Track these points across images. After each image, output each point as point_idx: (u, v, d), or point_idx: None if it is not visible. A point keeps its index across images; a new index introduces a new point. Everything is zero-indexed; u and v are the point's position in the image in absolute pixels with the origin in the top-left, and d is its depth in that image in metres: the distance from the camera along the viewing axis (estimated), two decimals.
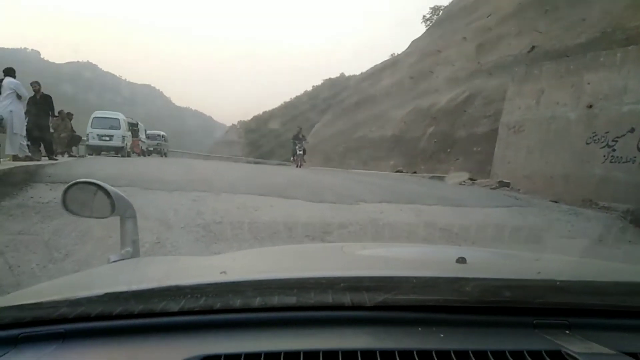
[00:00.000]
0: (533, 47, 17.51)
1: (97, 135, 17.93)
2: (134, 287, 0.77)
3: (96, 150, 18.23)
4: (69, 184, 1.22)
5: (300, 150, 16.36)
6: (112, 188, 1.22)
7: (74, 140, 13.74)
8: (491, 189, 9.14)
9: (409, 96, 22.54)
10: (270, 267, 1.20)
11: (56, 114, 12.83)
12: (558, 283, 0.85)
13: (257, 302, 0.75)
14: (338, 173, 13.29)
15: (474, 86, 16.91)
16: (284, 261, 1.34)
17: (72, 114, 14.05)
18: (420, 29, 35.91)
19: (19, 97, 7.82)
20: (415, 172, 15.52)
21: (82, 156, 13.39)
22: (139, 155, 25.09)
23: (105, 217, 1.23)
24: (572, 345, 0.73)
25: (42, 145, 9.63)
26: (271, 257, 1.44)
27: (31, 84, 9.37)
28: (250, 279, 0.84)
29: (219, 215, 4.58)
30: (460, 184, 10.42)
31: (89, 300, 0.73)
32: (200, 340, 0.71)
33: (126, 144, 18.90)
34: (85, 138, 18.13)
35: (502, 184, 9.27)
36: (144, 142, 27.28)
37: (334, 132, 29.26)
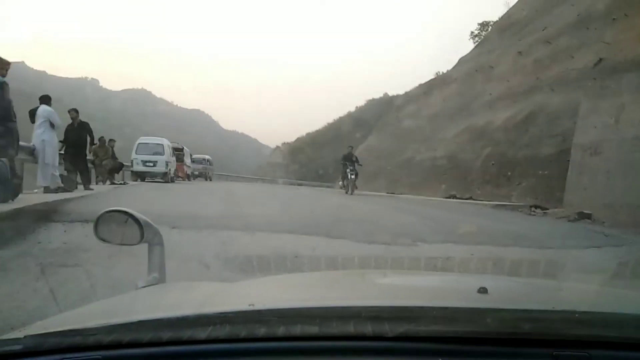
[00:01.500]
0: (600, 60, 15.93)
1: (142, 161, 17.94)
2: (166, 314, 0.82)
3: (141, 176, 18.24)
4: (101, 212, 1.30)
5: (352, 174, 14.23)
6: (142, 216, 1.29)
7: (116, 167, 13.58)
8: (569, 221, 7.84)
9: (460, 115, 21.32)
10: (293, 295, 1.22)
11: (96, 141, 12.74)
12: (577, 315, 0.85)
13: (280, 331, 0.77)
14: (386, 200, 12.21)
15: (535, 103, 15.53)
16: (307, 289, 1.36)
17: (114, 140, 13.97)
18: (468, 46, 34.60)
19: (52, 125, 7.50)
20: (470, 198, 14.23)
21: (123, 183, 13.16)
22: (183, 179, 25.18)
23: (134, 245, 1.30)
24: None
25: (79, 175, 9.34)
26: (294, 285, 1.45)
27: (69, 111, 9.16)
28: (274, 307, 0.87)
29: (250, 266, 3.76)
30: (530, 214, 9.14)
31: (124, 327, 0.77)
32: None
33: (170, 170, 18.81)
34: (130, 164, 18.22)
35: (583, 216, 7.94)
36: (189, 166, 27.43)
37: (379, 154, 28.27)
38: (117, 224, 1.30)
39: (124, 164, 15.44)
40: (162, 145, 18.88)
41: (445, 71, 39.02)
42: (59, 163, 9.23)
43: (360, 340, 0.78)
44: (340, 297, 1.13)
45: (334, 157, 54.49)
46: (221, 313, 0.80)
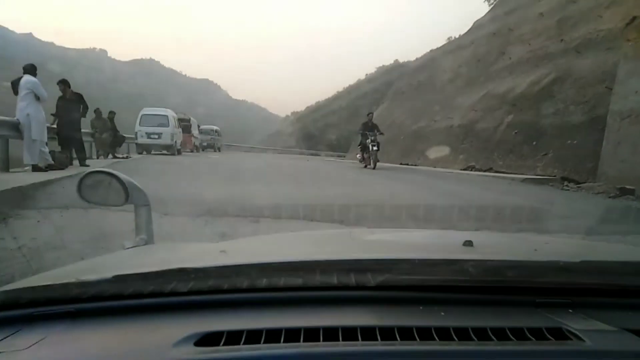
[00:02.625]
0: (634, 19, 14.65)
1: (146, 133, 17.34)
2: (142, 269, 0.81)
3: (146, 149, 17.66)
4: (85, 173, 1.28)
5: (374, 145, 12.35)
6: (126, 177, 1.26)
7: (117, 140, 12.95)
8: (609, 197, 7.05)
9: (477, 81, 20.17)
10: (276, 251, 1.22)
11: (93, 113, 12.07)
12: (561, 263, 0.87)
13: (261, 282, 0.77)
14: (408, 175, 11.20)
15: (560, 67, 14.39)
16: (291, 246, 1.35)
17: (114, 112, 13.30)
18: (482, 9, 32.73)
19: (37, 98, 6.81)
20: (491, 170, 13.41)
21: (126, 157, 12.55)
22: (191, 151, 24.57)
23: (120, 205, 1.28)
24: (574, 322, 0.74)
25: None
26: (280, 242, 1.47)
27: (57, 83, 8.44)
28: (255, 261, 0.85)
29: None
30: (563, 188, 8.35)
31: (99, 282, 0.76)
32: (205, 318, 0.73)
33: (175, 142, 18.18)
34: (134, 136, 17.61)
35: (625, 191, 7.14)
36: (196, 137, 26.75)
37: (391, 123, 27.25)
38: (101, 185, 1.29)
39: (126, 136, 14.81)
40: (167, 116, 18.19)
41: (457, 36, 37.35)
42: (52, 138, 8.63)
43: (341, 290, 0.79)
44: (324, 252, 1.14)
45: (344, 126, 53.46)
46: (199, 267, 0.81)
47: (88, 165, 8.57)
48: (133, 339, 0.70)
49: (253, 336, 0.67)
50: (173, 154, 17.59)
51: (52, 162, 7.24)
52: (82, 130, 11.87)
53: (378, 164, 12.67)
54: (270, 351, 0.64)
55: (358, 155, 14.46)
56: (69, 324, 0.72)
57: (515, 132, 13.41)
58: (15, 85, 6.79)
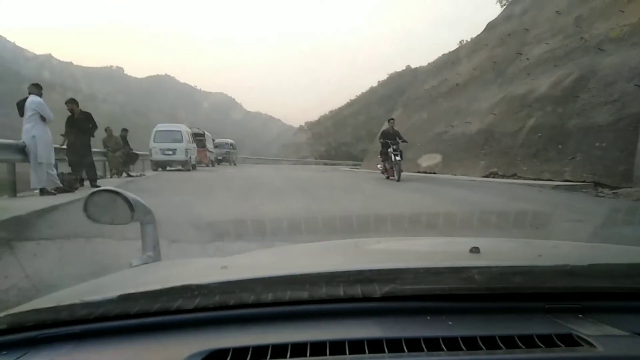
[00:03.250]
0: None
1: (160, 149, 17.23)
2: (146, 288, 0.80)
3: (161, 165, 17.54)
4: (90, 193, 1.32)
5: (397, 155, 11.20)
6: (131, 195, 1.27)
7: (130, 158, 12.80)
8: None
9: (494, 84, 19.64)
10: (280, 264, 1.21)
11: (104, 131, 11.95)
12: (569, 267, 0.84)
13: (266, 297, 0.76)
14: (429, 185, 10.54)
15: (583, 66, 13.82)
16: (295, 258, 1.35)
17: (126, 130, 13.19)
18: (495, 10, 32.16)
19: (43, 119, 6.61)
20: (514, 176, 12.86)
21: (139, 175, 12.38)
22: (207, 165, 24.47)
23: (126, 223, 1.28)
24: (584, 328, 0.72)
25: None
26: (283, 255, 1.46)
27: (65, 103, 8.29)
28: (259, 276, 0.84)
29: None
30: (597, 195, 7.81)
31: (103, 302, 0.76)
32: (211, 335, 0.72)
33: (190, 157, 18.04)
34: (148, 153, 17.52)
35: None
36: (211, 151, 26.68)
37: (406, 129, 26.74)
38: (106, 203, 1.29)
39: (140, 153, 14.68)
40: (181, 131, 18.08)
41: (469, 39, 36.68)
42: (61, 159, 8.46)
43: (345, 302, 0.78)
44: (329, 264, 1.12)
45: (358, 134, 52.99)
46: (203, 284, 0.79)
47: (99, 186, 8.36)
48: (142, 358, 0.70)
49: (259, 352, 0.66)
50: (188, 170, 17.44)
51: (61, 184, 7.03)
52: (95, 149, 11.79)
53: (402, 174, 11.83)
54: None
55: (379, 166, 13.29)
56: (74, 345, 0.72)
57: (539, 136, 12.86)
58: (20, 106, 6.62)
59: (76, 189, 7.69)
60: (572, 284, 0.82)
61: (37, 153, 6.45)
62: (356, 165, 38.22)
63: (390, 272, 0.83)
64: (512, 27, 23.19)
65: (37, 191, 6.75)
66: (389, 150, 11.77)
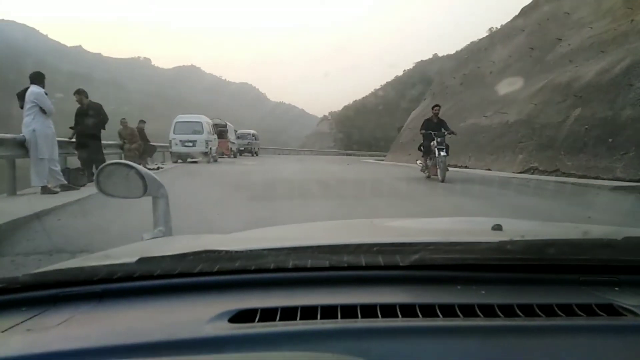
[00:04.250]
0: None
1: (180, 141, 16.76)
2: (168, 253, 0.82)
3: (181, 157, 17.10)
4: (103, 165, 1.31)
5: (442, 149, 9.37)
6: (144, 169, 1.29)
7: (147, 150, 12.31)
8: None
9: (532, 71, 18.38)
10: (303, 236, 1.25)
11: (120, 123, 11.49)
12: (604, 240, 0.84)
13: (292, 263, 0.76)
14: (474, 187, 8.93)
15: (635, 51, 12.53)
16: (317, 233, 1.35)
17: (144, 121, 12.70)
18: None
19: (43, 111, 6.05)
20: (557, 171, 11.78)
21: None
22: (228, 156, 24.02)
23: (138, 197, 1.27)
24: (624, 299, 0.70)
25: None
26: (305, 230, 1.46)
27: (74, 93, 7.75)
28: (282, 245, 0.85)
29: None
30: None
31: (125, 264, 0.77)
32: (237, 297, 0.72)
33: (210, 149, 17.52)
34: (168, 145, 17.10)
35: None
36: (233, 142, 26.23)
37: None
38: (119, 177, 1.29)
39: (157, 145, 14.20)
40: (201, 122, 17.55)
41: (499, 26, 34.91)
42: (71, 153, 7.96)
43: (374, 270, 0.77)
44: (350, 237, 1.12)
45: (383, 125, 51.91)
46: (232, 250, 0.80)
47: None
48: (165, 317, 0.69)
49: (288, 313, 0.65)
50: (208, 162, 16.94)
51: (65, 181, 6.49)
52: (110, 141, 11.32)
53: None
54: (308, 327, 0.62)
55: (419, 162, 11.42)
56: (95, 304, 0.72)
57: (586, 128, 11.71)
58: (21, 97, 6.08)
59: (83, 185, 7.17)
60: (608, 256, 0.81)
61: (37, 148, 5.91)
62: (380, 157, 37.24)
63: (417, 244, 0.83)
64: (551, 11, 21.76)
65: (40, 189, 6.22)
66: (431, 143, 9.76)
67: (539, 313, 0.66)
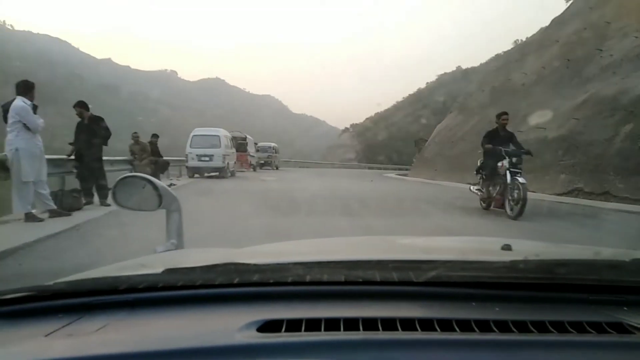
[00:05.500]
0: None
1: (196, 155, 16.08)
2: (192, 265, 0.87)
3: (198, 172, 16.42)
4: (121, 177, 1.34)
5: (518, 174, 6.89)
6: (159, 182, 1.32)
7: (160, 166, 11.61)
8: None
9: (570, 84, 17.18)
10: (322, 252, 1.24)
11: (131, 138, 10.85)
12: (613, 261, 0.91)
13: (316, 277, 0.78)
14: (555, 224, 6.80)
15: None
16: (333, 248, 1.39)
17: (157, 135, 12.08)
18: (559, 7, 29.03)
19: (28, 128, 5.30)
20: (607, 194, 10.55)
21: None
22: (247, 170, 23.34)
23: (153, 210, 1.31)
24: (634, 318, 0.71)
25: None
26: (320, 245, 1.51)
27: (74, 106, 7.04)
28: (298, 260, 0.89)
29: None
30: None
31: (155, 274, 0.81)
32: (262, 308, 0.74)
33: (227, 164, 16.78)
34: (184, 159, 16.46)
35: None
36: (253, 156, 25.54)
37: (463, 134, 24.54)
38: (135, 189, 1.33)
39: (170, 160, 13.53)
40: (218, 136, 16.86)
41: (524, 39, 33.49)
42: (69, 172, 7.25)
43: (392, 285, 0.78)
44: (368, 253, 1.15)
45: (404, 137, 50.79)
46: (256, 264, 0.83)
47: (109, 205, 7.07)
48: (196, 325, 0.71)
49: (312, 325, 0.67)
50: (224, 177, 16.21)
51: (55, 206, 5.73)
52: (119, 158, 10.65)
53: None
54: (332, 337, 0.64)
55: (474, 188, 8.57)
56: (128, 311, 0.74)
57: None
58: (6, 110, 5.36)
59: (78, 208, 6.42)
60: (616, 277, 0.83)
61: (20, 169, 5.15)
62: (402, 171, 36.04)
63: (434, 262, 0.86)
64: (589, 21, 20.53)
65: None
66: (499, 164, 7.27)
67: (551, 329, 0.68)
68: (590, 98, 14.20)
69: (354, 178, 20.68)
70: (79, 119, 7.12)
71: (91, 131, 7.03)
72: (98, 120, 7.18)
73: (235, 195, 10.20)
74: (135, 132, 10.90)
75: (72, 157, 7.15)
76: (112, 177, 10.13)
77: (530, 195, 6.93)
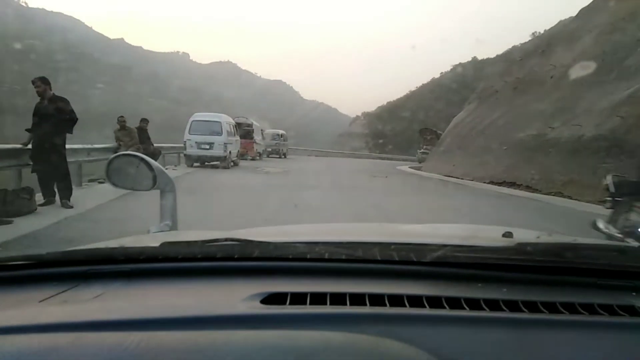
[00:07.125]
0: None
1: (196, 143, 14.79)
2: (194, 238, 0.84)
3: (197, 161, 15.15)
4: (114, 155, 1.33)
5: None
6: (154, 162, 1.29)
7: (150, 154, 10.31)
8: None
9: (608, 77, 15.57)
10: (325, 234, 1.24)
11: (117, 123, 9.61)
12: (622, 246, 0.91)
13: (322, 254, 0.78)
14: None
15: None
16: (337, 231, 1.39)
17: (146, 120, 10.77)
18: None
19: None
20: None
21: None
22: (252, 158, 22.04)
23: (147, 190, 1.29)
24: None
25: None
26: (324, 228, 1.54)
27: (32, 81, 5.71)
28: (296, 240, 0.88)
29: None
30: None
31: (153, 247, 0.79)
32: (265, 282, 0.73)
33: (229, 152, 15.45)
34: (182, 146, 15.20)
35: None
36: (259, 143, 24.17)
37: (484, 128, 22.93)
38: (129, 168, 1.29)
39: (161, 147, 12.26)
40: (220, 123, 15.51)
41: (542, 31, 31.61)
42: (25, 165, 6.01)
43: (399, 264, 0.78)
44: (374, 236, 1.15)
45: (417, 128, 49.19)
46: (249, 240, 0.81)
47: (71, 206, 5.80)
48: (199, 295, 0.70)
49: (317, 299, 0.66)
50: (225, 167, 14.92)
51: None
52: (103, 145, 9.42)
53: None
54: (338, 310, 0.64)
55: (605, 229, 4.00)
56: (126, 281, 0.73)
57: None
58: None
59: (30, 212, 5.18)
60: (624, 262, 0.81)
61: None
62: (413, 162, 34.48)
63: (439, 244, 0.84)
64: (626, 9, 18.81)
65: None
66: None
67: (562, 310, 0.67)
68: (636, 93, 12.63)
69: (366, 172, 19.15)
70: (38, 99, 5.83)
71: (53, 115, 5.75)
72: (61, 101, 5.87)
73: (233, 190, 8.94)
74: (122, 116, 9.62)
75: (29, 146, 5.88)
76: (92, 168, 8.90)
77: (570, 201, 5.36)
